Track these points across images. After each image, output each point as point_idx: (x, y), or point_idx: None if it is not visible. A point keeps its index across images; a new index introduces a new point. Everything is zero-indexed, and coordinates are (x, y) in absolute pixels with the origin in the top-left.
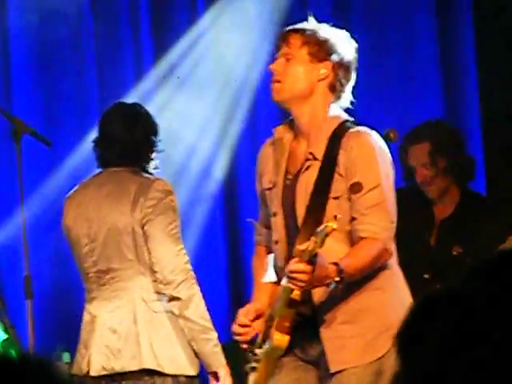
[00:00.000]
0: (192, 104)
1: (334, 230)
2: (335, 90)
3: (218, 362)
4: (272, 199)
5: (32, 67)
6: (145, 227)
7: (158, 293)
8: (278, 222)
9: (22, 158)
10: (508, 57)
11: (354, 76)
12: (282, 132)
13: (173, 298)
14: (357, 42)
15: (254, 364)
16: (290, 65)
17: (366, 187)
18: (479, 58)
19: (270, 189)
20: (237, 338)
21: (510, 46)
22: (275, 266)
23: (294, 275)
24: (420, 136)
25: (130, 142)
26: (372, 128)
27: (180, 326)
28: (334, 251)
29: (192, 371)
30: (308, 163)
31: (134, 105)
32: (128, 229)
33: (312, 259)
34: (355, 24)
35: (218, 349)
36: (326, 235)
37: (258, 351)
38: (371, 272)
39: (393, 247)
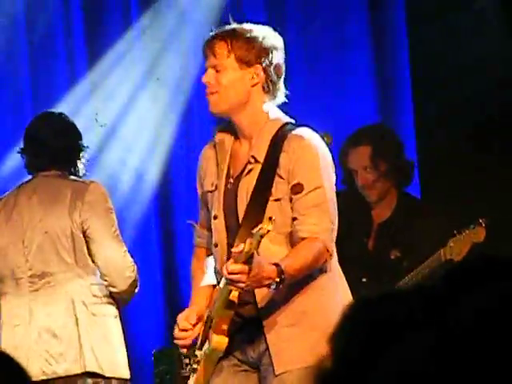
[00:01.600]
0: (126, 108)
1: (269, 231)
2: (269, 90)
3: None
4: (213, 202)
5: None
6: (87, 231)
7: (96, 296)
8: (218, 225)
9: None
10: (441, 57)
11: (283, 68)
12: (223, 134)
13: (117, 295)
14: (285, 44)
15: (194, 365)
16: (221, 76)
17: (306, 188)
18: (412, 58)
19: (211, 191)
20: (178, 342)
21: (444, 46)
22: (214, 269)
23: (231, 277)
24: (361, 139)
25: (59, 146)
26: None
27: (119, 329)
28: (274, 253)
29: (128, 374)
30: (250, 166)
31: (60, 114)
32: (66, 232)
33: (249, 260)
34: (290, 26)
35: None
36: (261, 237)
37: (197, 353)
38: (312, 273)
39: (333, 248)
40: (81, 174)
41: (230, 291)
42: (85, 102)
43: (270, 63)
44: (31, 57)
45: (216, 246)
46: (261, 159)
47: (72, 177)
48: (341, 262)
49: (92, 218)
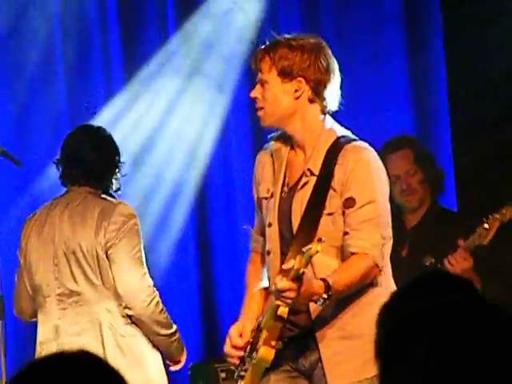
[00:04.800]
0: (164, 119)
1: (318, 252)
2: (315, 101)
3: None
4: (269, 209)
5: (2, 87)
6: (108, 251)
7: (124, 316)
8: (272, 233)
9: None
10: (477, 70)
11: (333, 76)
12: (279, 142)
13: (138, 321)
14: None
15: (242, 373)
16: (265, 90)
17: (359, 202)
18: (449, 71)
19: (266, 198)
20: (228, 359)
21: (479, 60)
22: (268, 276)
23: (281, 293)
24: (400, 144)
25: (96, 161)
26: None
27: (149, 348)
28: (327, 265)
29: None
30: (305, 179)
31: (99, 128)
32: (92, 252)
33: (298, 277)
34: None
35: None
36: (310, 257)
37: (246, 360)
38: (364, 287)
39: (384, 263)
40: (114, 189)
41: (279, 306)
42: (122, 116)
43: (312, 75)
44: (67, 74)
45: (269, 253)
46: (316, 172)
47: (103, 195)
48: None
49: (114, 239)
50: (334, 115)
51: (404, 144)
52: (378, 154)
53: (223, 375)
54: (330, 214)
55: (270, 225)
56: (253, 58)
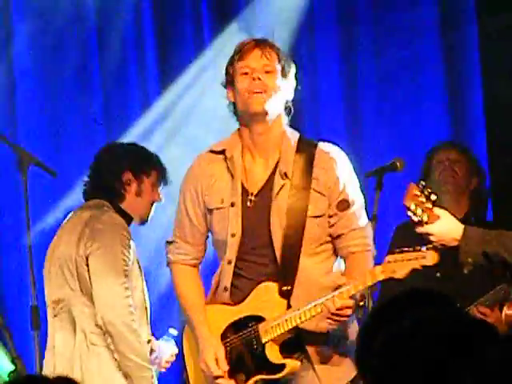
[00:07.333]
0: (198, 135)
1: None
2: (287, 107)
3: None
4: (230, 219)
5: (39, 98)
6: (88, 259)
7: (98, 325)
8: (234, 243)
9: (28, 187)
10: None
11: None
12: (231, 150)
13: (107, 332)
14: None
15: None
16: (271, 77)
17: (351, 203)
18: (485, 79)
19: (219, 208)
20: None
21: None
22: (225, 286)
23: (340, 312)
24: (453, 146)
25: (98, 174)
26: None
27: (114, 361)
28: (317, 268)
29: None
30: (280, 183)
31: (122, 144)
32: (72, 259)
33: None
34: (362, 56)
35: None
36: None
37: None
38: None
39: None
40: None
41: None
42: (158, 126)
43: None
44: (104, 85)
45: (230, 262)
46: (290, 175)
47: (106, 206)
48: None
49: (92, 247)
50: (371, 124)
51: (455, 147)
52: (425, 157)
53: None
54: (315, 217)
55: (233, 235)
56: (258, 43)
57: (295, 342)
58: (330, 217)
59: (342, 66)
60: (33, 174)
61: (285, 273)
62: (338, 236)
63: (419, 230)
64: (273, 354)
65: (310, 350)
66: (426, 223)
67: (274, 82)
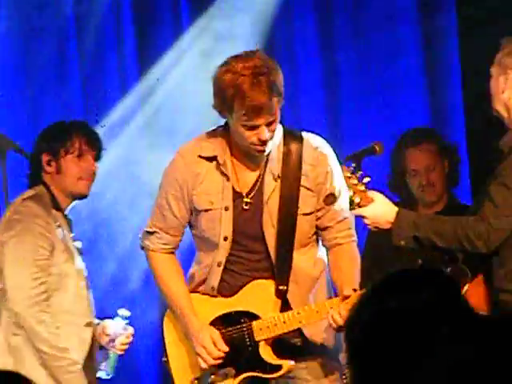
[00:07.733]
0: (177, 120)
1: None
2: None
3: None
4: (218, 221)
5: (17, 84)
6: (3, 246)
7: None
8: (226, 246)
9: (7, 173)
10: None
11: None
12: (222, 156)
13: (18, 324)
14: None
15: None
16: (273, 124)
17: (337, 197)
18: (463, 67)
19: (207, 210)
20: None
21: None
22: (212, 286)
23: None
24: (421, 138)
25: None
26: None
27: (33, 351)
28: (305, 263)
29: None
30: (272, 185)
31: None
32: None
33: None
34: (341, 38)
35: (72, 373)
36: None
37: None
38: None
39: None
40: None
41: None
42: (135, 113)
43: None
44: (82, 70)
45: (219, 265)
46: (281, 174)
47: (36, 194)
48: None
49: (4, 235)
50: (351, 109)
51: (425, 137)
52: (396, 147)
53: None
54: (305, 214)
55: (225, 238)
56: (263, 104)
57: (289, 344)
58: (318, 210)
59: (321, 53)
60: (11, 159)
61: (280, 271)
62: (325, 228)
63: (352, 212)
64: (266, 354)
65: (304, 352)
66: (359, 205)
67: (276, 125)
